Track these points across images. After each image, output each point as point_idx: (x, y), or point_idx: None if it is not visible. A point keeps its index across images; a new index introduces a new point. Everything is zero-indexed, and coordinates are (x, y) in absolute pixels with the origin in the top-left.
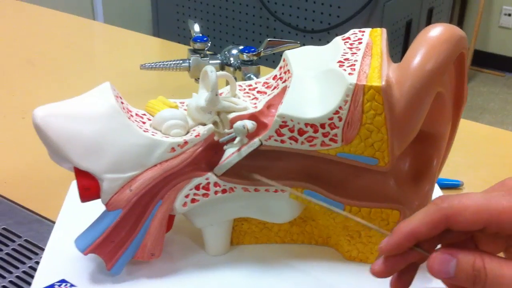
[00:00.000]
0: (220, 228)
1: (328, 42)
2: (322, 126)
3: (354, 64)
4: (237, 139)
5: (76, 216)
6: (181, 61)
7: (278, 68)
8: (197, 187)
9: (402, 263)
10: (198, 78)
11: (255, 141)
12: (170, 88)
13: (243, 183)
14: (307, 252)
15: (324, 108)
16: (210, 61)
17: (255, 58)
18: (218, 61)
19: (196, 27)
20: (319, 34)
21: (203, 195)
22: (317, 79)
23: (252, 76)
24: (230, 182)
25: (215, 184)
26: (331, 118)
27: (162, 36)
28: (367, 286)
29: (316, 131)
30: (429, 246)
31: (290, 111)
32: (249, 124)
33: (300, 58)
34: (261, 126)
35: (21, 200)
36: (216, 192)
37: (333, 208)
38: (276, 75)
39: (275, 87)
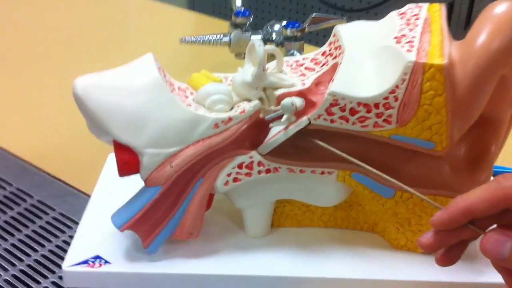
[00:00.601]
0: (261, 210)
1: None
2: (376, 106)
3: (412, 41)
4: (284, 117)
5: (112, 191)
6: (222, 36)
7: (327, 43)
8: (240, 166)
9: (452, 239)
10: (239, 54)
11: (303, 120)
12: (209, 64)
13: (288, 163)
14: (351, 238)
15: (379, 87)
16: (252, 36)
17: (299, 34)
18: (260, 37)
19: (238, 1)
20: (358, 14)
21: (246, 174)
22: (372, 56)
23: (295, 52)
24: (274, 162)
25: (259, 164)
26: (386, 98)
27: (196, 9)
28: (416, 276)
29: (369, 111)
30: (484, 225)
31: (342, 89)
32: (298, 101)
33: (353, 33)
34: (309, 104)
35: (56, 173)
36: (259, 172)
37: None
38: (325, 51)
39: (324, 64)
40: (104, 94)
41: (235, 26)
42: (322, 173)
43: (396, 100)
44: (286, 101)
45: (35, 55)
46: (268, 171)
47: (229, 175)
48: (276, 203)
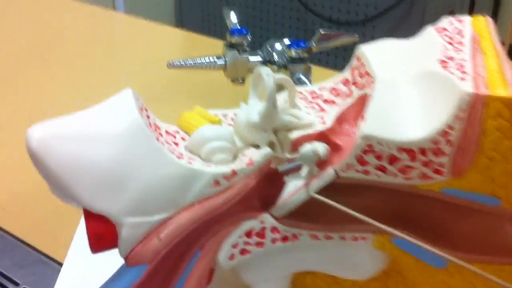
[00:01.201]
0: (277, 285)
1: (364, 35)
2: (423, 152)
3: (463, 65)
4: (305, 170)
5: (89, 259)
6: (215, 58)
7: (349, 69)
8: (248, 234)
9: None
10: (236, 79)
11: (329, 173)
12: (201, 91)
13: (311, 228)
14: None
15: (426, 127)
16: (250, 58)
17: (305, 54)
18: (259, 59)
19: (233, 17)
20: (354, 27)
21: (257, 244)
22: (412, 85)
23: (301, 77)
24: (293, 226)
25: (273, 230)
26: (436, 142)
27: (185, 27)
28: None
29: (413, 159)
30: None
31: (378, 131)
32: (321, 148)
33: (382, 56)
34: (333, 148)
35: (21, 234)
36: (274, 240)
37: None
38: (347, 79)
39: (348, 95)
40: (67, 147)
41: (231, 46)
42: (354, 239)
43: (450, 144)
44: (306, 149)
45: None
46: (285, 239)
47: (235, 246)
48: (295, 274)
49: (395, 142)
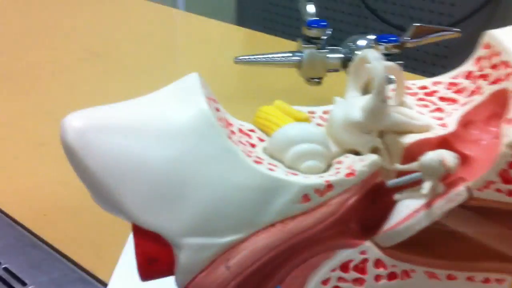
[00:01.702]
0: None
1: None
2: None
3: None
4: (427, 185)
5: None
6: (290, 54)
7: (473, 60)
8: (344, 267)
9: None
10: (312, 79)
11: (460, 192)
12: (272, 91)
13: (428, 264)
14: None
15: None
16: (329, 55)
17: (396, 51)
18: (341, 55)
19: (311, 8)
20: None
21: (355, 281)
22: None
23: (391, 77)
24: (404, 260)
25: (377, 263)
26: None
27: (246, 26)
28: None
29: None
30: None
31: None
32: (450, 158)
33: None
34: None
35: (61, 247)
36: (378, 278)
37: None
38: (470, 72)
39: (474, 92)
40: (113, 142)
41: (308, 40)
42: (486, 280)
43: None
44: (430, 159)
45: (46, 74)
46: (392, 276)
47: (325, 282)
48: None
49: None
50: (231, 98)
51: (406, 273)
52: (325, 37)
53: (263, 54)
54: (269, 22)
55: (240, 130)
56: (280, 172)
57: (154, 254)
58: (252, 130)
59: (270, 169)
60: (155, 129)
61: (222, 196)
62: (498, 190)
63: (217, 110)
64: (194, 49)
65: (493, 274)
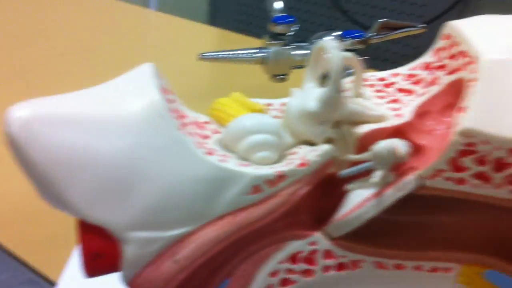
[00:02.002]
0: None
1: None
2: None
3: None
4: (378, 175)
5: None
6: (256, 50)
7: (432, 51)
8: (293, 259)
9: None
10: (277, 76)
11: (410, 180)
12: (237, 88)
13: (377, 254)
14: None
15: None
16: (294, 52)
17: (362, 46)
18: (306, 51)
19: (278, 4)
20: None
21: (304, 272)
22: None
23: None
24: (354, 251)
25: (327, 254)
26: None
27: (218, 25)
28: None
29: None
30: None
31: (483, 126)
32: (402, 147)
33: (482, 31)
34: (413, 150)
35: (12, 246)
36: (327, 269)
37: None
38: (429, 63)
39: (431, 82)
40: (59, 134)
41: (274, 37)
42: (434, 269)
43: None
44: (381, 147)
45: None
46: (341, 267)
47: (274, 274)
48: None
49: (507, 140)
50: (201, 95)
51: (355, 264)
52: (291, 34)
53: (227, 51)
54: (242, 22)
55: (194, 122)
56: (232, 163)
57: (100, 249)
58: (207, 122)
59: (222, 160)
60: (104, 120)
61: (171, 188)
62: (448, 179)
63: (172, 101)
64: (166, 49)
65: (441, 263)
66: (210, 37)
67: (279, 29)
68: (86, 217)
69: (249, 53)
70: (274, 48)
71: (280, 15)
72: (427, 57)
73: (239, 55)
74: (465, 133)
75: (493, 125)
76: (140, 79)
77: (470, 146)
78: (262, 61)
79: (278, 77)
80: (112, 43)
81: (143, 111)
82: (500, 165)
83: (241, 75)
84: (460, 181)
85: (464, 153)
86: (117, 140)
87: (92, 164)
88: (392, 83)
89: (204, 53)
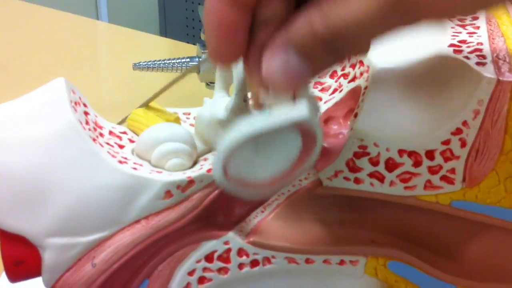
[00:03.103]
0: None
1: None
2: (430, 155)
3: (481, 49)
4: None
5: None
6: (187, 59)
7: None
8: (208, 258)
9: None
10: (211, 83)
11: (312, 182)
12: (174, 97)
13: (288, 250)
14: None
15: (434, 125)
16: None
17: None
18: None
19: None
20: None
21: (220, 270)
22: (418, 74)
23: None
24: (266, 248)
25: (240, 252)
26: (446, 142)
27: (169, 36)
28: None
29: (418, 164)
30: None
31: (374, 129)
32: None
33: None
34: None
35: None
36: (241, 266)
37: None
38: (335, 71)
39: (336, 90)
40: None
41: (205, 46)
42: (342, 262)
43: (464, 144)
44: None
45: None
46: (255, 263)
47: (191, 273)
48: None
49: (395, 142)
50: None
51: (267, 260)
52: None
53: (161, 60)
54: (192, 32)
55: (110, 132)
56: (144, 171)
57: (20, 256)
58: (124, 132)
59: (134, 168)
60: (17, 136)
61: (85, 197)
62: (346, 179)
63: (86, 113)
64: (117, 60)
65: (348, 257)
66: (161, 47)
67: None
68: (4, 226)
69: (181, 62)
70: (205, 56)
71: None
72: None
73: (172, 64)
74: (357, 136)
75: (381, 128)
76: (51, 94)
77: (363, 148)
78: (196, 69)
79: (213, 84)
80: (62, 56)
81: (54, 126)
82: (391, 165)
83: (187, 84)
84: (358, 181)
85: (358, 154)
86: (28, 154)
87: (4, 177)
88: None
89: (137, 63)
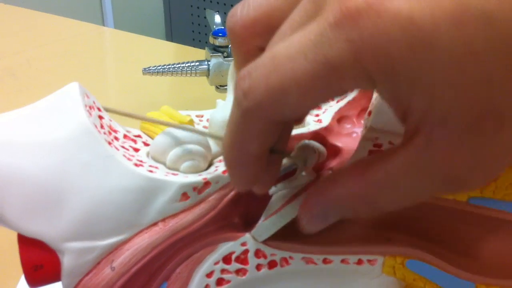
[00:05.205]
0: None
1: None
2: None
3: None
4: (298, 173)
5: None
6: (197, 63)
7: None
8: (227, 259)
9: None
10: (221, 86)
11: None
12: (183, 100)
13: (304, 250)
14: None
15: None
16: None
17: None
18: None
19: (217, 18)
20: None
21: (238, 272)
22: None
23: None
24: (282, 249)
25: (258, 253)
26: None
27: (175, 41)
28: None
29: None
30: None
31: (389, 124)
32: (319, 145)
33: None
34: (331, 152)
35: None
36: (259, 267)
37: None
38: None
39: None
40: None
41: (215, 49)
42: (359, 262)
43: None
44: (302, 143)
45: None
46: (272, 264)
47: (209, 275)
48: None
49: None
50: (146, 108)
51: (285, 260)
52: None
53: (170, 64)
54: (198, 37)
55: (125, 136)
56: (160, 173)
57: (39, 261)
58: (138, 136)
59: (150, 171)
60: (33, 140)
61: (102, 200)
62: None
63: (101, 117)
64: (124, 66)
65: (365, 256)
66: (168, 52)
67: (218, 41)
68: (22, 230)
69: (191, 66)
70: (214, 60)
71: (220, 28)
72: None
73: (182, 68)
74: (371, 135)
75: (394, 126)
76: (65, 98)
77: (379, 146)
78: (205, 73)
79: (223, 87)
80: (69, 62)
81: (70, 130)
82: None
83: (194, 87)
84: None
85: (373, 152)
86: (44, 158)
87: (21, 182)
88: None
89: (147, 68)
